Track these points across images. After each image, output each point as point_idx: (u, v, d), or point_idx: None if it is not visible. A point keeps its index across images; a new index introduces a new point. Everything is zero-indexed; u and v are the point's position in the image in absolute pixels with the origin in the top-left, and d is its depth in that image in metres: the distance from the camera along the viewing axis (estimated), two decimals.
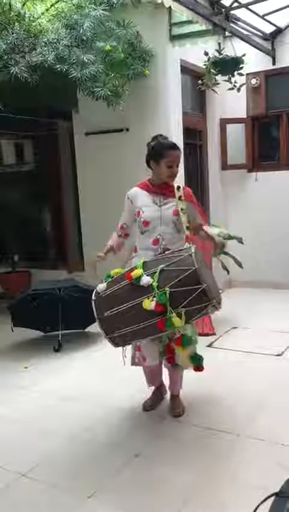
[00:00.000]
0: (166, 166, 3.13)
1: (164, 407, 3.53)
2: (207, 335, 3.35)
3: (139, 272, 2.82)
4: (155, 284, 2.76)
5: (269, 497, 1.34)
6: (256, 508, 1.38)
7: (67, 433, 3.27)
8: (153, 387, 3.57)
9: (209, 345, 4.63)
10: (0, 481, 2.75)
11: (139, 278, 2.80)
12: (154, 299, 2.73)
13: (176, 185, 3.22)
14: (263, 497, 1.34)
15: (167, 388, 3.58)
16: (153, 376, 3.51)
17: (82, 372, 4.37)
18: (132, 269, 2.90)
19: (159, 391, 3.59)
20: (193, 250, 2.85)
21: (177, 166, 3.19)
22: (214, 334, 3.43)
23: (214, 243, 3.26)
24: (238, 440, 3.05)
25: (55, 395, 3.86)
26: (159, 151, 3.15)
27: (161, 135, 3.30)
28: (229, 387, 3.81)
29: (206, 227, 3.33)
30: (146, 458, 2.92)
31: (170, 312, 2.71)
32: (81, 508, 2.50)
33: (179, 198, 3.17)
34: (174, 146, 3.18)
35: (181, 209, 3.15)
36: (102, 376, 4.16)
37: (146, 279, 2.78)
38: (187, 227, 3.17)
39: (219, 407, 3.50)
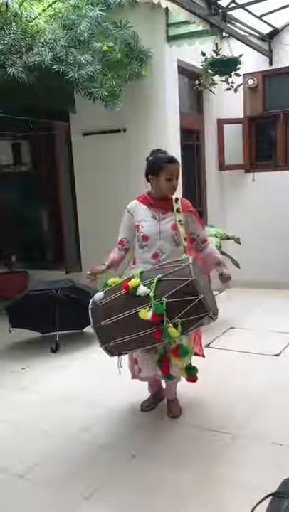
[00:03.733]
0: (165, 180, 3.14)
1: (161, 407, 3.52)
2: (196, 354, 3.36)
3: (136, 281, 2.81)
4: (152, 294, 2.74)
5: (266, 497, 1.34)
6: (253, 509, 1.38)
7: (65, 434, 3.26)
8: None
9: (207, 346, 4.63)
10: None
11: (136, 288, 2.79)
12: (151, 309, 2.72)
13: (174, 198, 3.22)
14: (260, 497, 1.34)
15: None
16: (152, 385, 3.53)
17: (80, 372, 4.36)
18: (128, 279, 2.89)
19: (157, 394, 3.59)
20: (190, 261, 2.85)
21: (177, 179, 3.19)
22: (203, 356, 3.44)
23: (220, 271, 3.27)
24: (236, 440, 3.05)
25: (53, 396, 3.85)
26: (157, 165, 3.16)
27: (159, 149, 3.32)
28: (227, 388, 3.81)
29: (213, 254, 3.35)
30: (144, 458, 2.91)
31: (166, 322, 2.70)
32: (78, 508, 2.50)
33: (177, 210, 3.17)
34: (172, 160, 3.19)
35: (179, 221, 3.15)
36: (99, 377, 4.15)
37: (143, 289, 2.77)
38: (185, 239, 3.17)
39: (217, 407, 3.50)
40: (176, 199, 3.22)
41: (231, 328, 5.28)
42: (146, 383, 3.54)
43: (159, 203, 3.21)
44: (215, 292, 3.30)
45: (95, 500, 2.55)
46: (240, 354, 4.53)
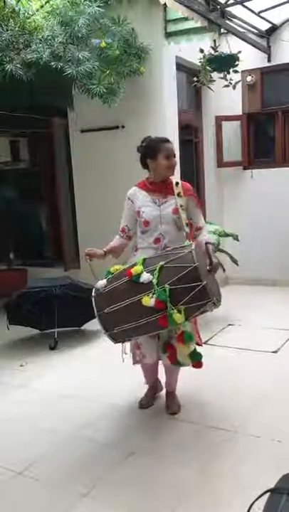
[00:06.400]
0: (164, 158, 3.14)
1: (160, 404, 3.53)
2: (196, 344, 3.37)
3: (139, 268, 2.81)
4: (155, 280, 2.74)
5: (264, 493, 1.35)
6: (252, 505, 1.39)
7: (64, 431, 3.26)
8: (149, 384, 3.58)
9: (205, 343, 4.62)
10: None
11: (139, 275, 2.79)
12: (154, 295, 2.72)
13: (174, 182, 3.22)
14: (258, 493, 1.35)
15: (163, 385, 3.57)
16: (151, 373, 3.52)
17: (79, 370, 4.37)
18: (132, 266, 2.89)
19: (154, 387, 3.60)
20: (193, 247, 2.84)
21: (174, 157, 3.22)
22: (201, 346, 3.43)
23: (210, 261, 3.09)
24: (235, 437, 3.05)
25: (52, 393, 3.85)
26: (153, 147, 3.18)
27: (149, 136, 3.32)
28: (225, 385, 3.82)
29: (205, 237, 3.25)
30: (143, 455, 2.92)
31: (171, 309, 2.70)
32: (77, 505, 2.50)
33: (178, 195, 3.17)
34: (167, 140, 3.23)
35: (180, 205, 3.15)
36: (98, 374, 4.15)
37: (146, 276, 2.77)
38: (187, 224, 3.16)
39: (215, 404, 3.51)
40: (177, 183, 3.22)
41: (229, 325, 5.28)
42: (144, 382, 3.55)
43: (159, 187, 3.20)
44: None
45: (93, 497, 2.56)
46: (239, 351, 4.54)
